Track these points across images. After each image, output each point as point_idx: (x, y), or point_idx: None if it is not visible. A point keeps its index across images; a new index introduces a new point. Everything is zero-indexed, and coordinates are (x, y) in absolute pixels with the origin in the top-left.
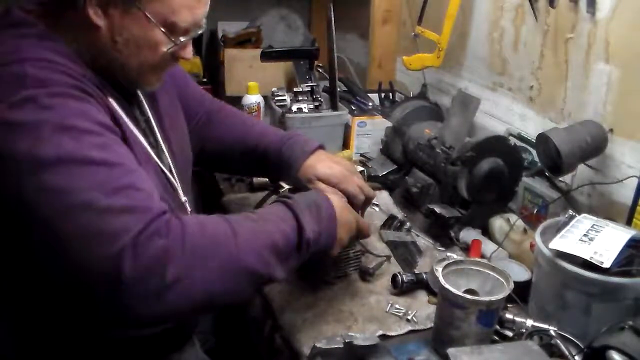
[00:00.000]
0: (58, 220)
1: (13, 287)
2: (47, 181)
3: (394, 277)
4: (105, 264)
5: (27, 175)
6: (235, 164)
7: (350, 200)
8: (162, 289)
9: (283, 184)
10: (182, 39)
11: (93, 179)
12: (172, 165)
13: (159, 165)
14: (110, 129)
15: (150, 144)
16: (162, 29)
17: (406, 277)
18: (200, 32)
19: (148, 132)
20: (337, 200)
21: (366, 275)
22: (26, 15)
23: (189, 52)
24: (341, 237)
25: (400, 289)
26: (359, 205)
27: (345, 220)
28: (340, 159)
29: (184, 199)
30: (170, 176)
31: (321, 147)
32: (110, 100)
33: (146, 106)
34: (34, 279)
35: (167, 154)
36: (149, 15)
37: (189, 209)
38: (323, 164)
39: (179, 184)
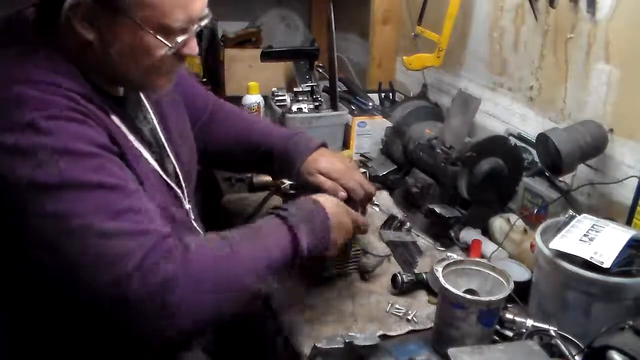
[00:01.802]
0: (62, 244)
1: (15, 296)
2: (49, 206)
3: (394, 277)
4: (111, 288)
5: (30, 201)
6: (237, 162)
7: (350, 195)
8: (166, 311)
9: (284, 180)
10: (179, 39)
11: (93, 203)
12: (179, 172)
13: (162, 178)
14: (109, 149)
15: (154, 154)
16: (155, 34)
17: (406, 277)
18: (203, 24)
19: (153, 142)
20: (330, 205)
21: (365, 273)
22: (28, 30)
23: (192, 47)
24: (336, 240)
25: (400, 289)
26: (358, 200)
27: (339, 224)
28: (342, 156)
29: (187, 206)
30: (175, 185)
31: (324, 144)
32: (113, 117)
33: (152, 114)
34: (38, 293)
35: (173, 161)
36: (138, 22)
37: (192, 216)
38: (325, 159)
39: (184, 192)
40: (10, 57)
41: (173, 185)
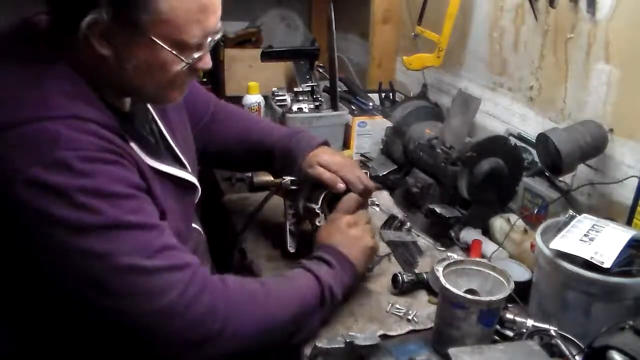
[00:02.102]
0: (106, 283)
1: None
2: (93, 246)
3: (394, 277)
4: (156, 318)
5: (73, 239)
6: (238, 161)
7: (348, 188)
8: (206, 340)
9: (285, 176)
10: (195, 55)
11: (134, 243)
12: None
13: (182, 192)
14: (141, 189)
15: (169, 163)
16: (172, 51)
17: (406, 277)
18: (217, 38)
19: (165, 153)
20: (355, 251)
21: (366, 272)
22: (39, 42)
23: (207, 62)
24: (361, 267)
25: (401, 289)
26: (357, 193)
27: (365, 259)
28: (343, 154)
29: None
30: (195, 190)
31: (326, 143)
32: (132, 144)
33: (159, 123)
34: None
35: (187, 166)
36: (155, 39)
37: (194, 225)
38: (326, 154)
39: (198, 192)
40: (30, 79)
41: (194, 182)
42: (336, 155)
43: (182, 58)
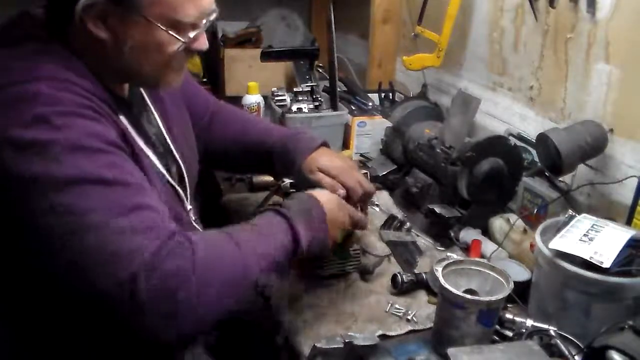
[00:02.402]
0: (74, 240)
1: (16, 293)
2: (62, 201)
3: (394, 277)
4: (121, 286)
5: (41, 196)
6: (237, 162)
7: (349, 193)
8: (176, 308)
9: (284, 179)
10: (191, 35)
11: (108, 199)
12: (184, 172)
13: (166, 178)
14: (120, 147)
15: (160, 156)
16: (167, 30)
17: (406, 277)
18: (212, 18)
19: (158, 144)
20: (327, 200)
21: (366, 273)
22: (39, 29)
23: (203, 42)
24: (333, 234)
25: (400, 289)
26: (357, 198)
27: (336, 218)
28: (343, 155)
29: (189, 207)
30: (179, 187)
31: (325, 144)
32: (121, 117)
33: (157, 116)
34: (43, 289)
35: (179, 161)
36: (150, 19)
37: (193, 217)
38: (325, 157)
39: (188, 193)
40: (24, 54)
41: (176, 185)
42: (335, 158)
43: (178, 37)
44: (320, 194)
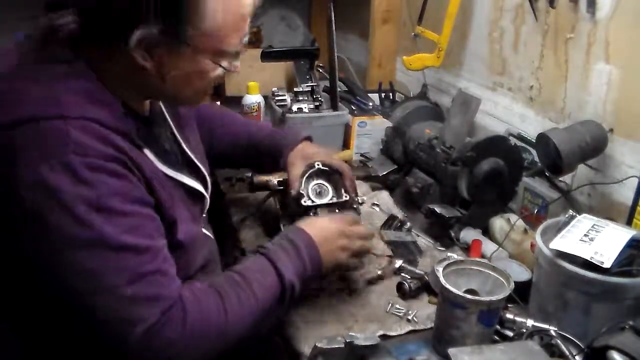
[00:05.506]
0: (84, 298)
1: (22, 303)
2: (78, 260)
3: (400, 285)
4: (118, 348)
5: (57, 247)
6: (231, 159)
7: (340, 170)
8: None
9: (271, 178)
10: (235, 63)
11: (122, 264)
12: (208, 181)
13: (191, 200)
14: (145, 203)
15: (179, 168)
16: (213, 60)
17: (413, 285)
18: (246, 39)
19: (183, 162)
20: (317, 232)
21: (377, 280)
22: (66, 49)
23: (237, 65)
24: (334, 258)
25: (408, 295)
26: (349, 174)
27: (330, 249)
28: (325, 149)
29: (205, 215)
30: (204, 190)
31: (309, 138)
32: (146, 151)
33: (176, 132)
34: (47, 306)
35: (204, 172)
36: (199, 51)
37: (204, 230)
38: (309, 148)
39: (206, 200)
40: (48, 79)
41: (202, 190)
42: (317, 148)
43: (222, 65)
44: (309, 226)
